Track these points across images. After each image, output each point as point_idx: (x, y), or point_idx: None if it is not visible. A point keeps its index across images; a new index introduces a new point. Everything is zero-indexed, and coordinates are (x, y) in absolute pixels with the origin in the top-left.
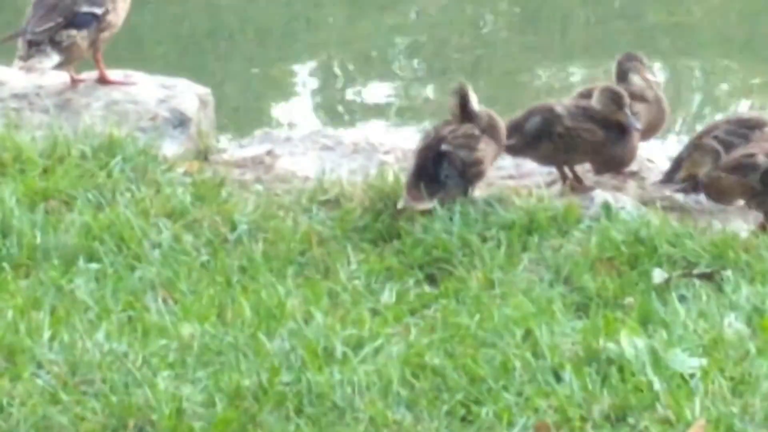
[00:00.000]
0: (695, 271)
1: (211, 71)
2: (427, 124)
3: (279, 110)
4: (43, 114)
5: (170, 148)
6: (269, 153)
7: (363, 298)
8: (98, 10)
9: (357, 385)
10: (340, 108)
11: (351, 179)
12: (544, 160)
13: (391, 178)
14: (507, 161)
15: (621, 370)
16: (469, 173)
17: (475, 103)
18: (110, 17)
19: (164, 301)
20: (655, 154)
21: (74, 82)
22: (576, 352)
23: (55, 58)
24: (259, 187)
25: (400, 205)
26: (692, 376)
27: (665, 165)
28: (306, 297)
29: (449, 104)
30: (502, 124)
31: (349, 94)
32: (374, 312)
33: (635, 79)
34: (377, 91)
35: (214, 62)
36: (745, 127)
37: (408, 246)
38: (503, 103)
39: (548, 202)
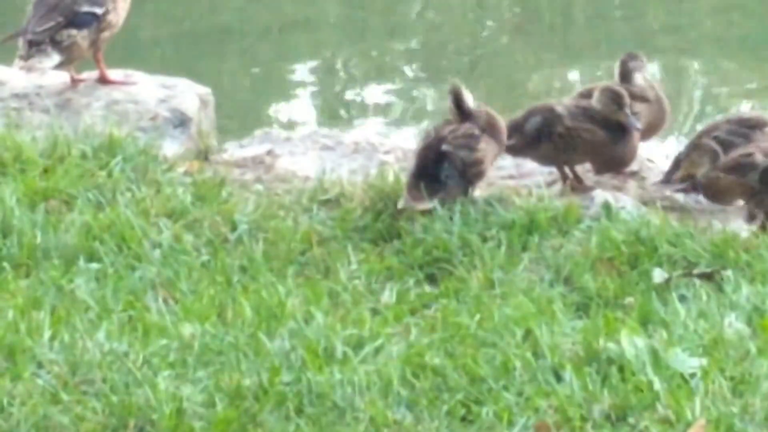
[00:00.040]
0: (695, 271)
1: (211, 71)
2: (427, 124)
3: (279, 110)
4: (44, 114)
5: (170, 147)
6: (269, 153)
7: (363, 298)
8: (99, 10)
9: (357, 385)
10: (340, 108)
11: (351, 179)
12: (545, 160)
13: (391, 178)
14: (507, 161)
15: (621, 369)
16: (470, 173)
17: (470, 101)
18: (111, 17)
19: (165, 300)
20: (655, 154)
21: (74, 82)
22: (576, 352)
23: (56, 57)
24: (259, 187)
25: (400, 205)
26: (692, 375)
27: (665, 165)
28: (306, 297)
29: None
30: (502, 122)
31: (349, 94)
32: (374, 312)
33: (639, 79)
34: (377, 91)
35: (214, 62)
36: (746, 127)
37: (408, 246)
38: (503, 104)
39: (548, 202)
